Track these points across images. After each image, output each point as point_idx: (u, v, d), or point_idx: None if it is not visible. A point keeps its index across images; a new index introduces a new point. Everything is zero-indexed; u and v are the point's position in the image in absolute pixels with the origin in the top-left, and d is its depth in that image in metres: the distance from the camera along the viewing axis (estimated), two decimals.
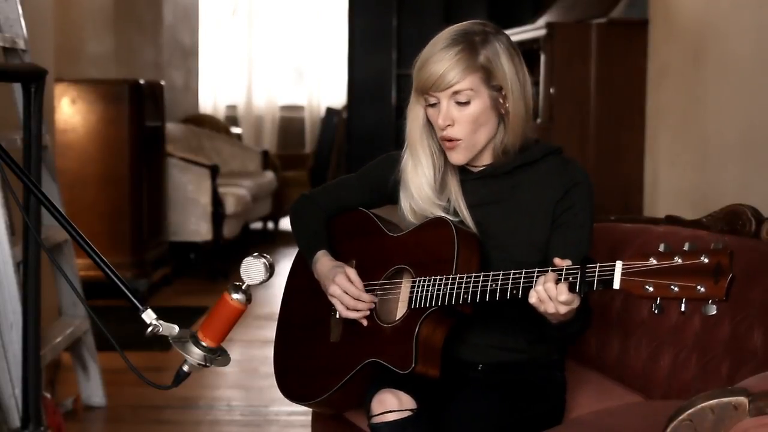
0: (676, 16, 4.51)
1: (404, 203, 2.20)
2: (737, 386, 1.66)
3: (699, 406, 1.64)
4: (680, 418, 1.65)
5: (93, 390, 3.95)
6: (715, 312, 1.67)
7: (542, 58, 4.95)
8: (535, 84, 4.98)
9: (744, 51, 3.91)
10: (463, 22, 2.14)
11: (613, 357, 2.49)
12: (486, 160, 2.17)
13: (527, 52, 5.03)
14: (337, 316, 2.22)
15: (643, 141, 4.84)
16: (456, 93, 2.07)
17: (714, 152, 4.15)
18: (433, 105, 2.12)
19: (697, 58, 4.29)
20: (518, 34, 5.34)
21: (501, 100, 2.10)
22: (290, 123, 9.72)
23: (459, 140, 2.10)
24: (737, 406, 1.61)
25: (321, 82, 9.69)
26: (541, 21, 5.55)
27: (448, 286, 2.02)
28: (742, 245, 2.27)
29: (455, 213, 2.16)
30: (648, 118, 4.81)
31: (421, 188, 2.17)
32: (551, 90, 4.90)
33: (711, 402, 1.63)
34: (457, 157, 2.13)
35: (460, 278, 2.01)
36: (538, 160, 2.15)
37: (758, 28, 3.81)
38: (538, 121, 4.97)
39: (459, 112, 2.09)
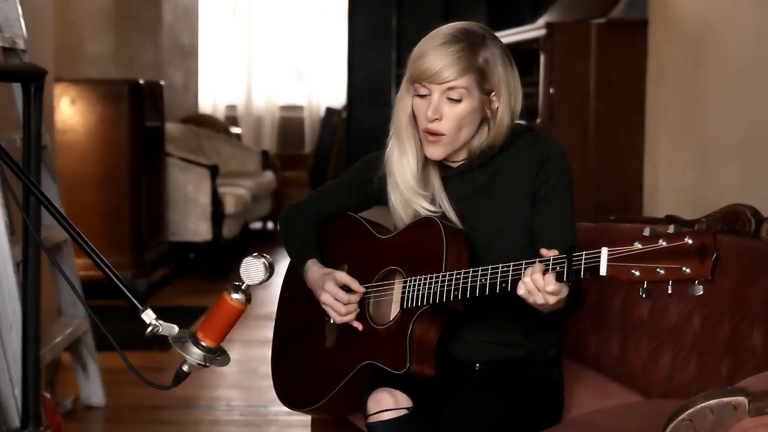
0: (675, 16, 4.51)
1: (393, 196, 2.22)
2: (737, 386, 1.66)
3: (699, 406, 1.64)
4: (680, 418, 1.65)
5: (92, 390, 3.94)
6: (701, 292, 1.67)
7: (542, 57, 4.95)
8: (535, 84, 4.98)
9: (744, 51, 3.91)
10: (462, 21, 2.16)
11: (612, 356, 2.49)
12: (461, 156, 2.19)
13: (527, 52, 5.04)
14: (332, 321, 2.22)
15: (642, 141, 4.84)
16: (450, 89, 2.09)
17: (714, 152, 4.14)
18: (422, 96, 2.13)
19: (697, 58, 4.28)
20: (518, 34, 5.33)
21: (489, 103, 2.11)
22: (290, 123, 9.71)
23: (442, 135, 2.11)
24: (737, 406, 1.61)
25: (320, 82, 9.69)
26: (541, 21, 5.54)
27: (438, 284, 2.03)
28: (742, 245, 2.27)
29: (440, 206, 2.17)
30: (648, 118, 4.80)
31: (405, 177, 2.18)
32: (551, 90, 4.89)
33: (710, 402, 1.63)
34: (435, 152, 2.14)
35: (450, 275, 2.02)
36: (510, 144, 2.17)
37: (758, 28, 3.81)
38: (538, 121, 4.96)
39: (449, 108, 2.10)
